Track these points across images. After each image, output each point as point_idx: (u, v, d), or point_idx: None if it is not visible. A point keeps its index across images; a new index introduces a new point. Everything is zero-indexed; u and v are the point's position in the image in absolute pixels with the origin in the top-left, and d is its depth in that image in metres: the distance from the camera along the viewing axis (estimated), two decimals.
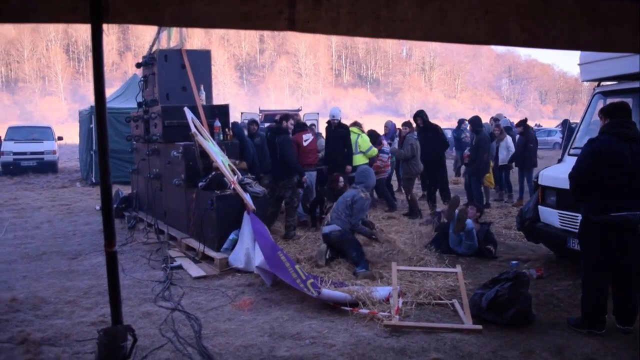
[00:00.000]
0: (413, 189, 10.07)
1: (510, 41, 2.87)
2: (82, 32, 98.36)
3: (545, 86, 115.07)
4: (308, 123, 21.64)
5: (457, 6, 2.81)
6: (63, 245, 7.82)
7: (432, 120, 10.25)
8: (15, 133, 19.44)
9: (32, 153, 18.56)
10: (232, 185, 6.03)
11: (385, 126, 11.96)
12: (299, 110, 21.83)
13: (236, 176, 6.20)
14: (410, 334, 4.25)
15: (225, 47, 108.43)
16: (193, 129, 6.23)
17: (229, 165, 6.59)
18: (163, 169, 7.79)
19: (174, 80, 7.71)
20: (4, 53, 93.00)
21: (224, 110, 7.67)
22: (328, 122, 9.24)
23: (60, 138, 20.20)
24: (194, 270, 6.16)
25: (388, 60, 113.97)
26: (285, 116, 8.32)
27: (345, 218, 6.44)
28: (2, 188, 15.30)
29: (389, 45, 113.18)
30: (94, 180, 14.91)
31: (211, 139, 6.93)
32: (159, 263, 6.59)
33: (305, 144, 8.51)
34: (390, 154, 10.39)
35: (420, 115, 9.75)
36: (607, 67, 6.12)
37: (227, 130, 7.42)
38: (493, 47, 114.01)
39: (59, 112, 79.07)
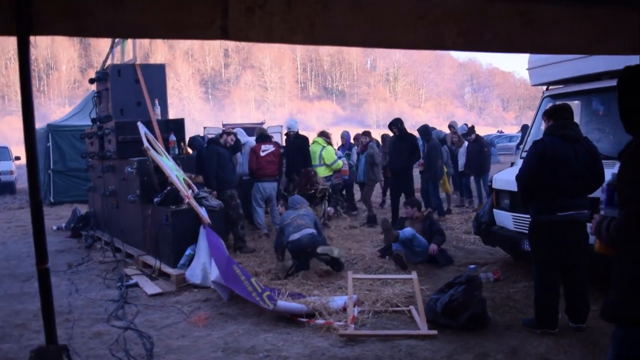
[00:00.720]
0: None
1: (447, 45, 2.90)
2: (43, 49, 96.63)
3: (507, 93, 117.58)
4: (276, 137, 21.63)
5: (391, 11, 2.82)
6: (16, 267, 7.57)
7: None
8: None
9: None
10: (187, 200, 5.94)
11: (341, 137, 12.01)
12: (262, 123, 21.74)
13: (190, 190, 6.11)
14: (366, 343, 4.23)
15: (189, 62, 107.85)
16: (145, 144, 6.13)
17: (184, 179, 6.50)
18: (118, 185, 7.64)
19: (128, 95, 7.59)
20: None
21: (179, 124, 7.59)
22: (286, 134, 9.25)
23: (17, 158, 19.65)
24: (150, 287, 6.03)
25: (353, 72, 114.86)
26: (226, 132, 8.27)
27: (315, 226, 6.50)
28: None
29: (354, 57, 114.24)
30: (52, 200, 14.53)
31: (166, 153, 6.84)
32: (114, 282, 6.42)
33: (262, 154, 8.47)
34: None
35: (395, 124, 9.69)
36: (555, 71, 6.25)
37: (182, 144, 7.32)
38: (455, 56, 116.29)
39: (19, 132, 76.62)
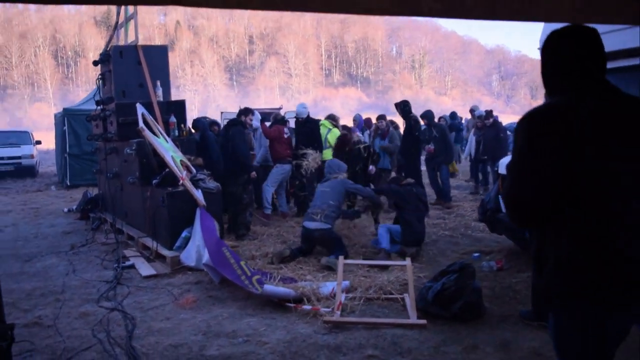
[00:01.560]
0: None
1: (422, 11, 2.67)
2: (70, 37, 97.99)
3: (536, 81, 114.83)
4: (291, 122, 21.63)
5: None
6: (21, 247, 7.61)
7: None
8: None
9: (9, 158, 18.27)
10: (181, 181, 5.84)
11: (353, 119, 11.78)
12: (279, 108, 21.63)
13: (185, 172, 6.01)
14: (351, 330, 4.08)
15: (214, 49, 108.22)
16: (141, 125, 6.04)
17: (181, 161, 6.40)
18: (120, 167, 7.60)
19: (130, 77, 7.51)
20: None
21: (180, 106, 7.49)
22: (296, 118, 9.10)
23: (38, 142, 19.92)
24: (145, 269, 5.98)
25: (378, 59, 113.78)
26: (246, 110, 8.13)
27: (332, 213, 6.27)
28: None
29: (379, 44, 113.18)
30: (68, 184, 14.67)
31: (164, 135, 6.75)
32: (112, 263, 6.39)
33: (285, 136, 8.59)
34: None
35: (400, 105, 9.40)
36: None
37: (182, 126, 7.23)
38: (482, 42, 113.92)
39: (48, 118, 78.55)
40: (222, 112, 21.95)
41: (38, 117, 78.32)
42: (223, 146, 7.64)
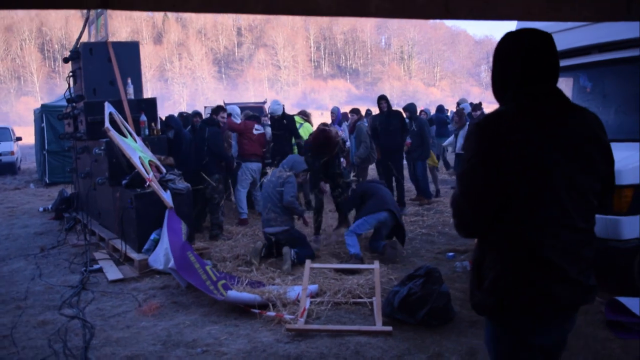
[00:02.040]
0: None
1: (370, 11, 2.54)
2: (57, 30, 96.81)
3: None
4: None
5: None
6: None
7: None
8: None
9: None
10: (148, 182, 5.69)
11: (331, 112, 11.60)
12: (264, 102, 21.45)
13: (152, 173, 5.86)
14: (314, 339, 3.97)
15: (202, 42, 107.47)
16: (106, 124, 5.88)
17: (150, 161, 6.25)
18: (92, 167, 7.43)
19: (101, 74, 7.33)
20: None
21: (150, 103, 7.30)
22: (270, 117, 8.94)
23: (19, 139, 19.64)
24: (112, 273, 5.84)
25: (367, 50, 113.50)
26: (218, 108, 7.98)
27: (282, 212, 6.13)
28: None
29: (368, 35, 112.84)
30: (47, 181, 14.45)
31: (134, 134, 6.59)
32: (81, 266, 6.24)
33: (255, 132, 8.33)
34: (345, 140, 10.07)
35: (384, 99, 9.32)
36: None
37: (152, 124, 7.06)
38: (471, 33, 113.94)
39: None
40: (205, 107, 21.77)
41: (25, 111, 77.38)
42: (198, 145, 7.49)
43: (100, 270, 6.02)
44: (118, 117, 6.43)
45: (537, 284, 1.82)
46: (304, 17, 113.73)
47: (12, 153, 18.44)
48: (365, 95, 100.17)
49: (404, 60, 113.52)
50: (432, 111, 16.22)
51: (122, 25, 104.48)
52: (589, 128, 1.91)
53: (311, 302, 4.60)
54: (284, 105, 9.42)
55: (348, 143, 10.21)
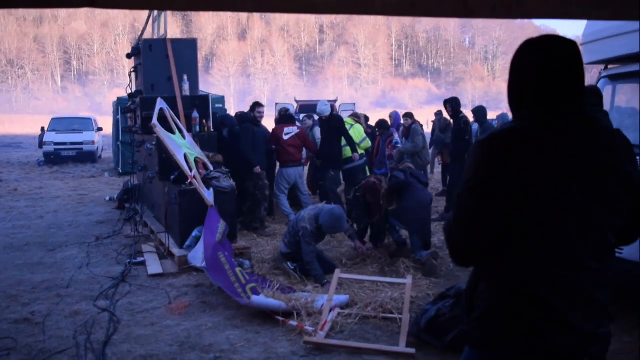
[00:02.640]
0: None
1: (374, 9, 2.30)
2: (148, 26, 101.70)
3: None
4: (344, 115, 21.21)
5: None
6: (52, 236, 7.80)
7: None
8: (57, 124, 20.06)
9: (71, 143, 19.08)
10: (190, 180, 5.71)
11: (389, 116, 11.28)
12: (334, 101, 21.36)
13: (194, 171, 5.87)
14: (332, 354, 3.79)
15: (285, 38, 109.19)
16: (153, 120, 5.96)
17: (196, 158, 6.28)
18: (147, 160, 7.61)
19: (159, 70, 7.47)
20: (76, 48, 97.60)
21: (203, 101, 7.37)
22: (319, 117, 8.76)
23: (100, 129, 20.70)
24: (153, 267, 5.92)
25: (450, 49, 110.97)
26: (255, 104, 7.94)
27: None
28: (37, 177, 15.78)
29: (451, 34, 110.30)
30: (120, 171, 15.10)
31: (184, 130, 6.65)
32: (126, 258, 6.39)
33: (285, 137, 8.02)
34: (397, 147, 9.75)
35: (450, 103, 8.89)
36: (611, 47, 5.22)
37: (204, 122, 7.11)
38: (561, 33, 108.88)
39: None
40: (276, 104, 21.97)
41: None
42: (234, 141, 7.53)
43: (143, 263, 6.12)
44: (169, 113, 6.52)
45: (531, 327, 1.56)
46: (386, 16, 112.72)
47: (93, 142, 19.47)
48: (446, 95, 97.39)
49: (488, 61, 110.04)
50: None
51: (208, 22, 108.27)
52: (613, 155, 1.61)
53: (339, 314, 4.42)
54: (333, 104, 9.24)
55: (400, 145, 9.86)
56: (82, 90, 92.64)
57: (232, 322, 4.40)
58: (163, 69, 7.47)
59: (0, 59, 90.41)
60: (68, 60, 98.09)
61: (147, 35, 8.45)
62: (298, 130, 8.19)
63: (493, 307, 1.62)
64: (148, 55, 7.48)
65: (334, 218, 5.52)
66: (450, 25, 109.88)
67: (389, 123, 10.44)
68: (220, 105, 14.83)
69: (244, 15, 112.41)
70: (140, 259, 6.21)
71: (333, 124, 8.38)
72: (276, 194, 8.28)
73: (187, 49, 7.62)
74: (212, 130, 7.27)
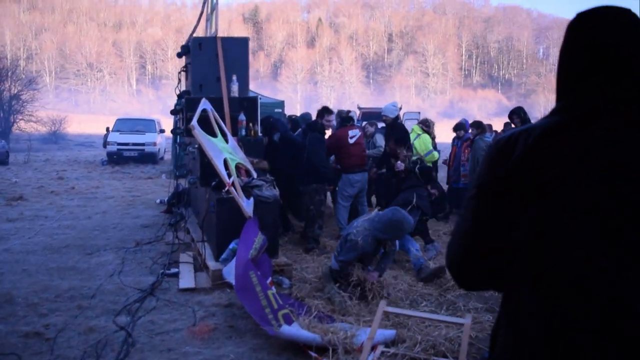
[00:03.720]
0: None
1: None
2: (221, 32, 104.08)
3: None
4: (407, 124, 20.46)
5: None
6: (93, 238, 7.55)
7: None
8: (122, 125, 20.41)
9: (134, 144, 19.32)
10: (227, 187, 5.21)
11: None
12: (399, 108, 20.61)
13: (233, 177, 5.36)
14: None
15: (353, 47, 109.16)
16: (193, 122, 5.52)
17: (238, 164, 5.79)
18: (191, 164, 7.23)
19: (208, 70, 7.06)
20: (151, 52, 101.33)
21: (252, 103, 6.87)
22: (384, 118, 8.12)
23: (162, 131, 20.88)
24: (185, 280, 5.46)
25: (522, 60, 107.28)
26: (323, 110, 7.35)
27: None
28: (97, 176, 15.97)
29: (524, 45, 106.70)
30: (177, 173, 14.96)
31: (228, 134, 6.19)
32: (161, 267, 5.98)
33: (351, 140, 7.36)
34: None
35: (517, 114, 8.05)
36: None
37: (250, 125, 6.61)
38: None
39: None
40: (338, 110, 21.32)
41: None
42: (299, 151, 6.95)
43: (176, 275, 5.68)
44: (212, 115, 6.07)
45: None
46: (456, 25, 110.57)
47: (154, 144, 19.64)
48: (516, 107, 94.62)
49: None
50: None
51: (278, 30, 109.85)
52: None
53: (382, 353, 3.76)
54: (400, 107, 8.56)
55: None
56: (155, 94, 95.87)
57: (258, 354, 3.82)
58: (212, 68, 7.05)
59: (81, 63, 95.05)
60: (143, 64, 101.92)
61: (200, 34, 8.10)
62: (360, 133, 7.60)
63: (511, 347, 1.25)
64: (197, 53, 7.10)
65: (398, 221, 4.98)
66: (523, 35, 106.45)
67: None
68: (280, 110, 14.48)
69: (313, 23, 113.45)
70: (174, 270, 5.77)
71: (395, 132, 7.71)
72: (337, 204, 7.66)
73: (238, 47, 7.18)
74: (259, 134, 6.77)
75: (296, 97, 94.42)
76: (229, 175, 5.33)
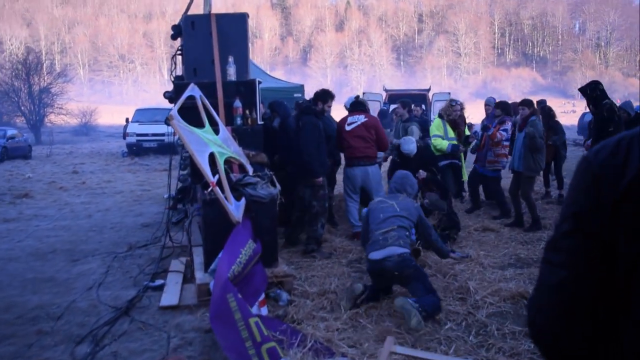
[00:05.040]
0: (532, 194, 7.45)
1: None
2: (250, 19, 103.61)
3: None
4: (437, 105, 19.34)
5: None
6: (85, 241, 6.91)
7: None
8: (141, 115, 19.90)
9: (153, 135, 18.79)
10: (211, 187, 4.41)
11: (486, 104, 9.12)
12: (427, 90, 19.51)
13: (217, 177, 4.57)
14: None
15: (382, 28, 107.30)
16: (173, 111, 4.73)
17: (229, 158, 4.99)
18: (186, 158, 6.48)
19: (203, 51, 6.24)
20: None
21: (249, 87, 6.02)
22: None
23: None
24: (168, 295, 4.70)
25: (557, 37, 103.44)
26: (323, 94, 6.45)
27: (407, 238, 4.49)
28: (113, 169, 15.52)
29: (559, 20, 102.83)
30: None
31: (220, 123, 5.39)
32: (147, 278, 5.26)
33: (348, 128, 6.46)
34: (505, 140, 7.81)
35: (590, 87, 6.74)
36: None
37: (246, 112, 5.78)
38: None
39: None
40: (364, 93, 20.34)
41: None
42: (294, 140, 6.05)
43: (161, 287, 4.95)
44: (200, 103, 5.27)
45: None
46: (489, 2, 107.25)
47: (174, 134, 19.03)
48: (552, 85, 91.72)
49: (600, 48, 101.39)
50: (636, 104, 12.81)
51: (306, 14, 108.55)
52: None
53: None
54: (429, 88, 7.64)
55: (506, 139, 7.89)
56: None
57: None
58: (208, 50, 6.24)
59: (113, 54, 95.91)
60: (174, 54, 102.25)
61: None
62: (366, 119, 6.53)
63: None
64: (190, 33, 6.30)
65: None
66: (558, 11, 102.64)
67: (485, 113, 8.63)
68: (300, 95, 13.62)
69: (341, 6, 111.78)
70: (158, 282, 5.03)
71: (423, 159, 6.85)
72: (345, 199, 6.84)
73: (236, 25, 6.32)
74: (258, 123, 5.93)
75: (326, 81, 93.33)
76: (214, 174, 4.53)
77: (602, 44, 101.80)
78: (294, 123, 6.10)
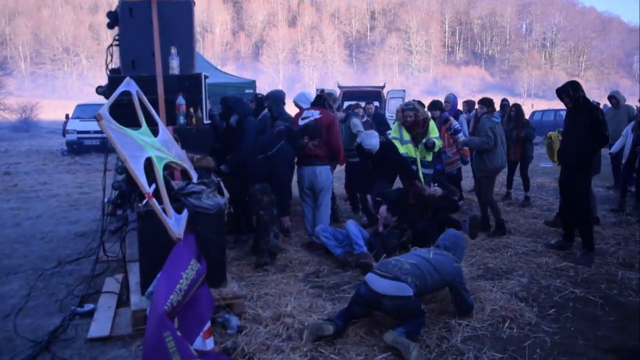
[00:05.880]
0: (493, 193, 7.11)
1: None
2: (199, 12, 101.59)
3: None
4: (392, 102, 18.98)
5: None
6: (9, 256, 6.12)
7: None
8: (82, 111, 18.73)
9: (95, 132, 17.66)
10: (147, 199, 3.80)
11: (446, 100, 8.80)
12: (382, 87, 19.20)
13: (152, 187, 3.96)
14: None
15: (335, 25, 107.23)
16: (102, 110, 4.07)
17: (170, 163, 4.37)
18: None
19: (143, 42, 5.57)
20: None
21: (195, 81, 5.40)
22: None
23: None
24: (99, 324, 4.04)
25: (505, 36, 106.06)
26: (281, 95, 5.96)
27: (418, 279, 3.88)
28: (50, 170, 14.47)
29: (507, 21, 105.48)
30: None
31: (160, 123, 4.75)
32: (76, 301, 4.58)
33: (300, 122, 6.07)
34: (458, 139, 7.56)
35: (567, 91, 6.26)
36: None
37: (191, 110, 5.16)
38: (625, 20, 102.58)
39: None
40: (317, 89, 19.77)
41: None
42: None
43: (91, 313, 4.28)
44: (137, 100, 4.62)
45: None
46: (440, 1, 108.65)
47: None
48: (500, 83, 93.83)
49: (546, 48, 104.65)
50: None
51: (258, 9, 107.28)
52: None
53: None
54: (384, 86, 7.21)
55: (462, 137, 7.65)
56: None
57: None
58: (149, 40, 5.57)
59: (57, 47, 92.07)
60: None
61: None
62: (320, 116, 6.06)
63: None
64: (128, 22, 5.61)
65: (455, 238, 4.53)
66: (506, 11, 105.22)
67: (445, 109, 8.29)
68: (251, 91, 12.96)
69: (294, 1, 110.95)
70: (87, 308, 4.36)
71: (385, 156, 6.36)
72: (302, 206, 6.32)
73: (180, 13, 5.66)
74: (203, 122, 5.31)
75: (278, 77, 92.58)
76: (150, 183, 3.90)
77: (548, 44, 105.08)
78: (258, 124, 5.57)
